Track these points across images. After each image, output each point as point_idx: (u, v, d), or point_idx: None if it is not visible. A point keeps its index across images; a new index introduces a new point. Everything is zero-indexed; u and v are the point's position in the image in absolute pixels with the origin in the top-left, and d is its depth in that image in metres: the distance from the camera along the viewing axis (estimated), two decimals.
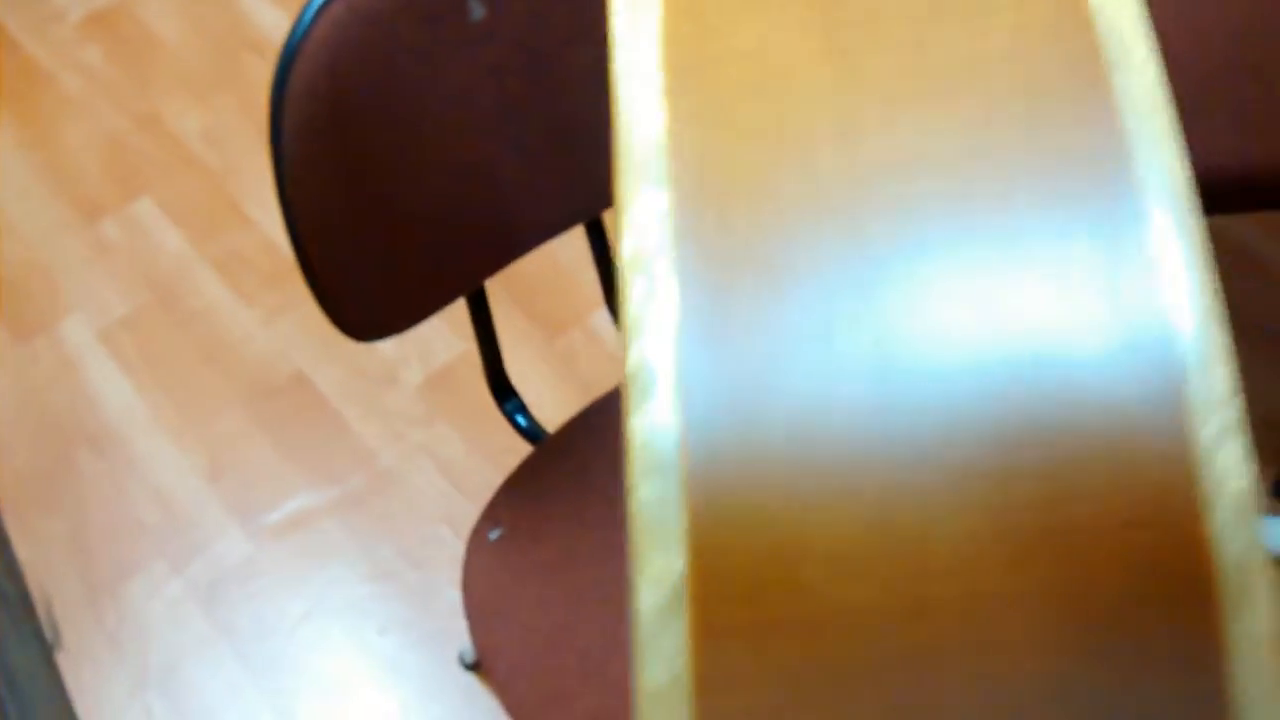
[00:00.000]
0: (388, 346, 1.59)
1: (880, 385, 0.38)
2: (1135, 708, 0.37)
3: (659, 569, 0.38)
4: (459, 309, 1.60)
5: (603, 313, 1.60)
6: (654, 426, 0.39)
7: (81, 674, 1.37)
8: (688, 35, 0.45)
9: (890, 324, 0.39)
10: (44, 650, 1.38)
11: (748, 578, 0.38)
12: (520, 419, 1.04)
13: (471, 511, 1.44)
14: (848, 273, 0.40)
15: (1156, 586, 0.37)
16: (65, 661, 1.38)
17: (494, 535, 0.95)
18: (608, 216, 1.21)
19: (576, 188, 0.89)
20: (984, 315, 0.39)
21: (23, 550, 1.47)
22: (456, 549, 1.42)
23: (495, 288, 1.63)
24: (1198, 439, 0.38)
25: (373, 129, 0.78)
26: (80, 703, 1.35)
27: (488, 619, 0.90)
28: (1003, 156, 0.41)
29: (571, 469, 0.97)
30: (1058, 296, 0.39)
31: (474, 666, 1.33)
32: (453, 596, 1.38)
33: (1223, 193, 1.11)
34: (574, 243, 1.64)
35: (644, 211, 0.41)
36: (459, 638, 1.35)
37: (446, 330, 1.60)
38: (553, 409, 1.52)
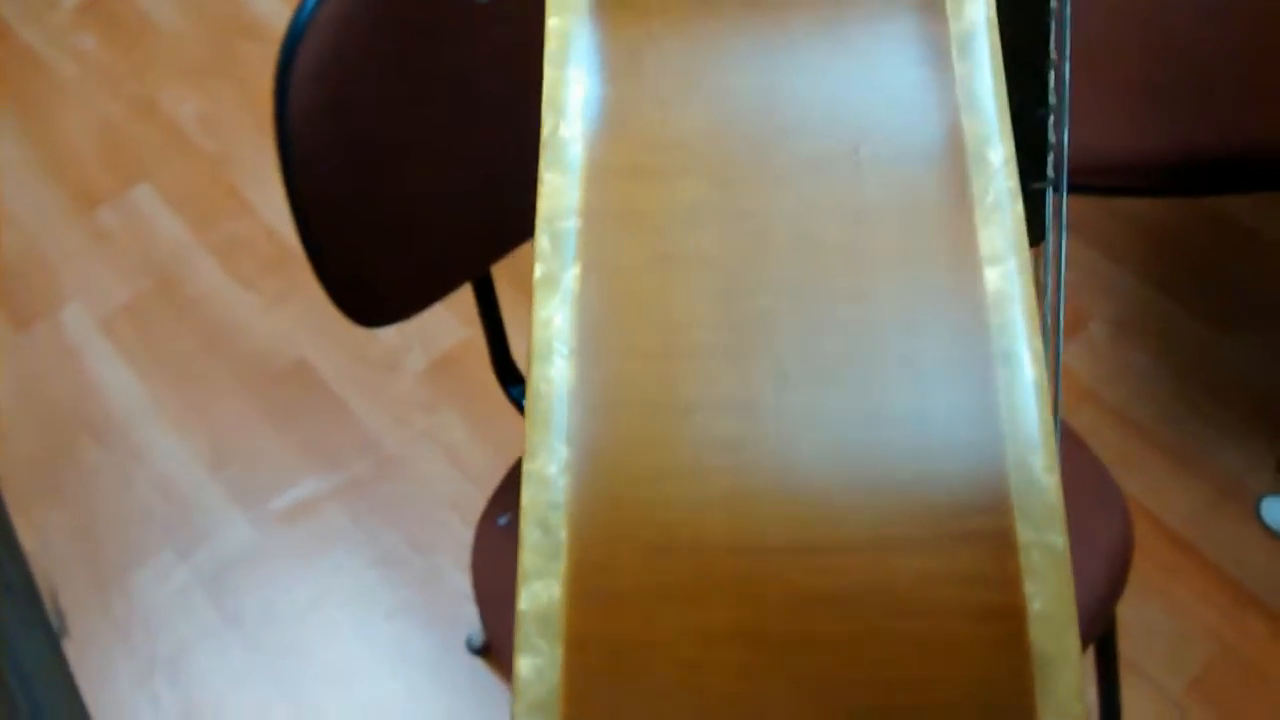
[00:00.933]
0: (390, 333, 1.59)
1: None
2: None
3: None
4: (462, 294, 1.59)
5: None
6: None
7: (88, 663, 1.37)
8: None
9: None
10: (50, 639, 1.38)
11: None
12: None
13: (477, 496, 1.44)
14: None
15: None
16: (72, 650, 1.38)
17: (503, 521, 0.95)
18: None
19: None
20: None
21: (27, 540, 1.46)
22: (462, 534, 1.42)
23: (500, 272, 1.62)
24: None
25: (379, 111, 0.78)
26: (87, 691, 1.35)
27: (498, 604, 0.90)
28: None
29: None
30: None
31: (482, 650, 1.33)
32: (459, 581, 1.38)
33: (1227, 172, 1.10)
34: None
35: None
36: (466, 622, 1.35)
37: (449, 316, 1.59)
38: None
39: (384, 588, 1.38)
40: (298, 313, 1.62)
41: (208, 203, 1.75)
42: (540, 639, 0.40)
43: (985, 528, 0.39)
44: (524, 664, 0.40)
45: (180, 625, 1.38)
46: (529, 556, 0.41)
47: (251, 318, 1.62)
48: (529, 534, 0.41)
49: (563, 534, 0.41)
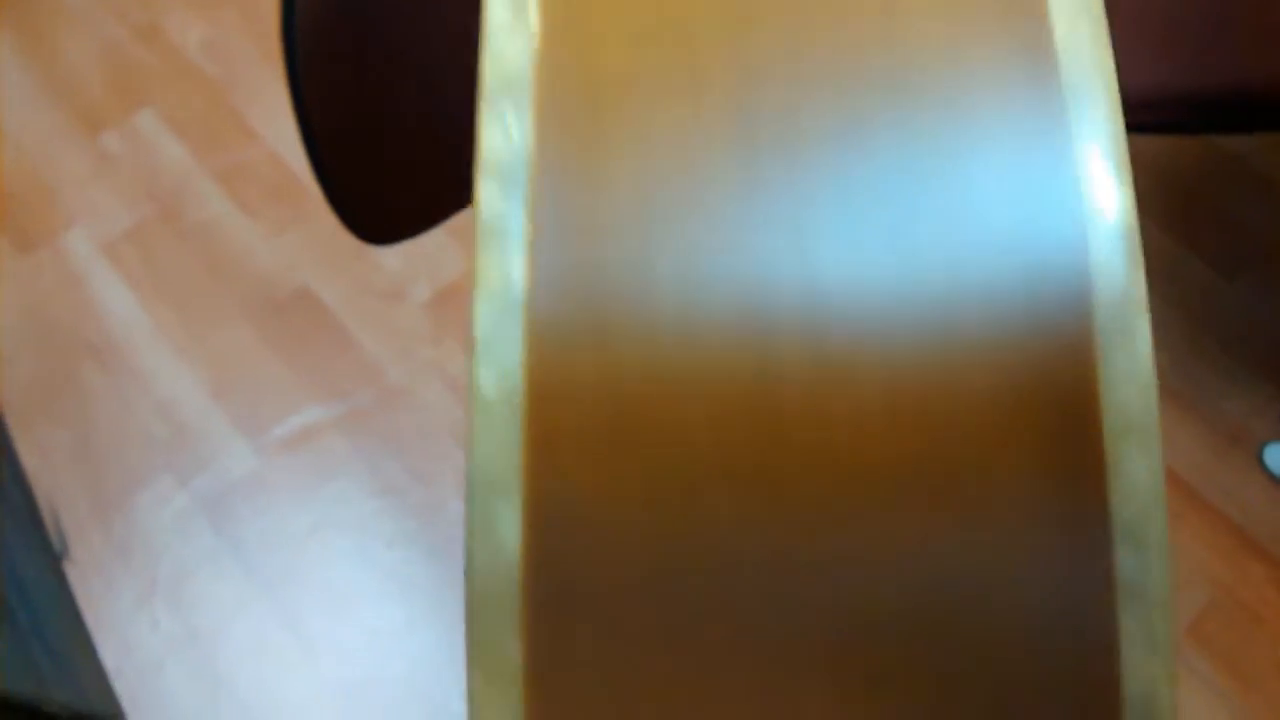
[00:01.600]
0: (395, 263, 1.58)
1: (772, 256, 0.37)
2: (1005, 564, 0.36)
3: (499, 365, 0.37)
4: (469, 225, 1.58)
5: None
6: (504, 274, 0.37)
7: (89, 584, 1.37)
8: None
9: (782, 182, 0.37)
10: (51, 559, 1.38)
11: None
12: None
13: None
14: (733, 142, 0.38)
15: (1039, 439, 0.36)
16: (73, 572, 1.38)
17: None
18: None
19: None
20: (879, 183, 0.37)
21: (29, 460, 1.46)
22: (463, 464, 1.42)
23: None
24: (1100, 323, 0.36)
25: (390, 23, 0.76)
26: (88, 612, 1.35)
27: None
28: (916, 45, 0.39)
29: None
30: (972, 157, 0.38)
31: None
32: (460, 511, 1.38)
33: (1244, 110, 1.09)
34: None
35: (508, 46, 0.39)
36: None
37: (455, 247, 1.58)
38: None
39: (385, 517, 1.39)
40: (302, 241, 1.61)
41: (212, 129, 1.73)
42: (507, 103, 0.38)
43: (1061, 328, 0.37)
44: (491, 134, 0.38)
45: (180, 549, 1.39)
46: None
47: (255, 245, 1.61)
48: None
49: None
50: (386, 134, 0.83)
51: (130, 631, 1.34)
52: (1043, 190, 0.37)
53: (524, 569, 0.37)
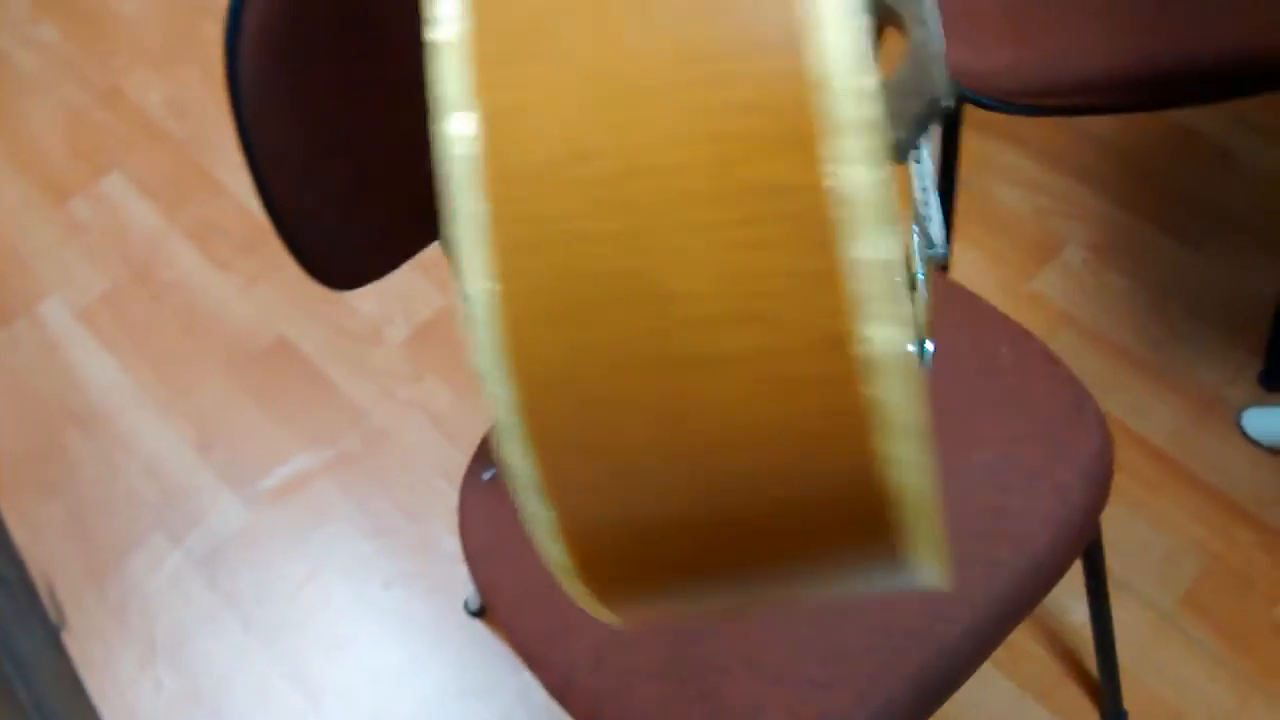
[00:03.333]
0: (370, 304, 1.59)
1: None
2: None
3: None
4: (439, 265, 1.59)
5: None
6: None
7: (89, 653, 1.37)
8: None
9: None
10: (50, 632, 1.38)
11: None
12: None
13: (465, 461, 1.44)
14: None
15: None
16: (72, 642, 1.38)
17: (487, 475, 0.95)
18: None
19: None
20: None
21: (20, 535, 1.46)
22: (453, 499, 1.42)
23: None
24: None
25: (331, 63, 0.77)
26: (90, 681, 1.36)
27: (487, 559, 0.90)
28: None
29: None
30: None
31: (479, 612, 1.33)
32: (453, 546, 1.38)
33: (1191, 83, 1.10)
34: None
35: None
36: (462, 585, 1.35)
37: (428, 285, 1.59)
38: None
39: (379, 557, 1.39)
40: (275, 291, 1.62)
41: (179, 187, 1.74)
42: None
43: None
44: None
45: (178, 609, 1.39)
46: None
47: (229, 299, 1.62)
48: None
49: None
50: (339, 178, 0.83)
51: (133, 696, 1.34)
52: None
53: None
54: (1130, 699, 1.17)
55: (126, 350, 1.59)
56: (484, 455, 0.97)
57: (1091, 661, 1.19)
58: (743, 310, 0.40)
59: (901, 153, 0.55)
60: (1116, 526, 1.26)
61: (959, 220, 1.52)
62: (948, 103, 0.53)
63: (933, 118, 0.54)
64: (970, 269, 1.47)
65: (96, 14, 1.95)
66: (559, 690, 0.84)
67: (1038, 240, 1.48)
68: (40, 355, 1.61)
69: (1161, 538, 1.25)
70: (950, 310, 0.96)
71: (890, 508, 0.41)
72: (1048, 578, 0.85)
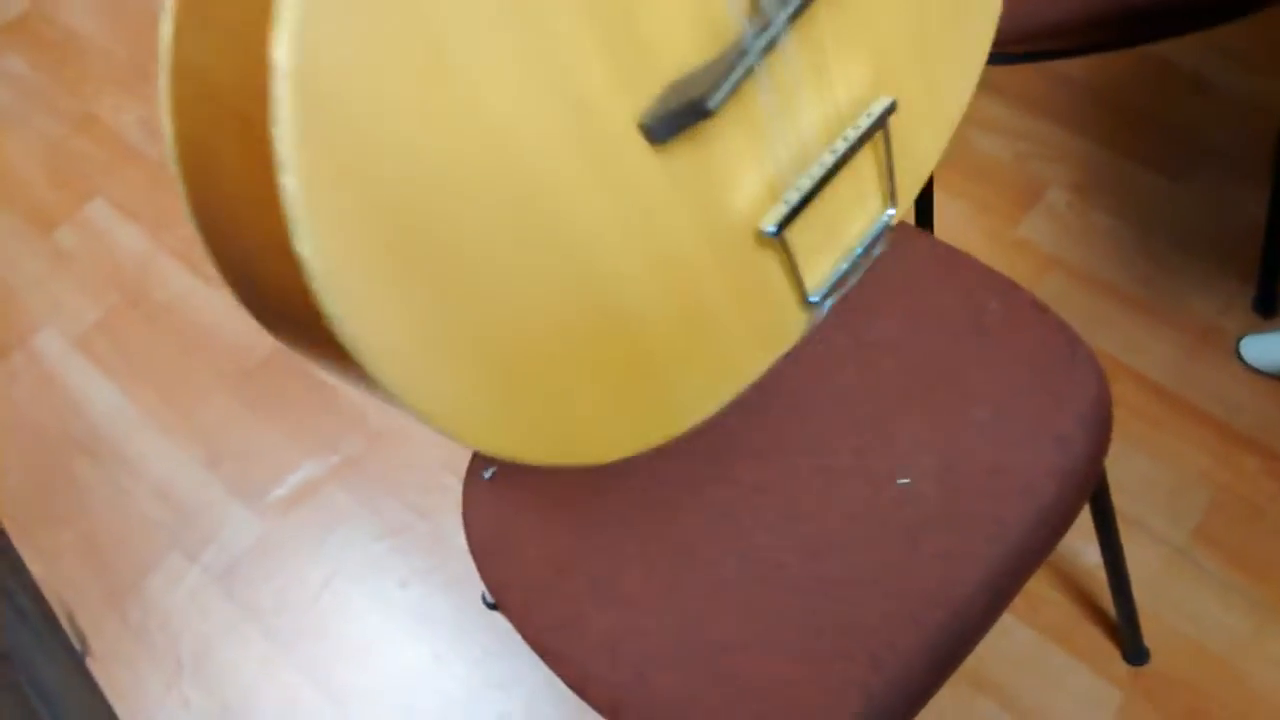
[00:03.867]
0: None
1: None
2: None
3: None
4: None
5: None
6: None
7: (115, 677, 1.38)
8: None
9: None
10: (74, 660, 1.39)
11: None
12: None
13: (469, 454, 1.44)
14: None
15: None
16: (97, 668, 1.39)
17: (488, 474, 0.95)
18: None
19: None
20: None
21: (36, 567, 1.47)
22: (461, 494, 1.42)
23: None
24: None
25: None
26: (119, 705, 1.37)
27: (494, 556, 0.91)
28: None
29: None
30: None
31: (494, 599, 1.34)
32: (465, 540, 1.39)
33: (1161, 16, 1.09)
34: None
35: None
36: (479, 579, 1.36)
37: None
38: None
39: (394, 557, 1.40)
40: None
41: (162, 207, 1.74)
42: None
43: None
44: None
45: (199, 625, 1.40)
46: None
47: (223, 314, 1.62)
48: None
49: None
50: None
51: (162, 716, 1.35)
52: None
53: None
54: (1149, 635, 1.17)
55: (126, 375, 1.59)
56: (483, 454, 0.97)
57: (1108, 602, 1.20)
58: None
59: (651, 136, 0.61)
60: (1121, 465, 1.26)
61: (940, 172, 1.52)
62: (712, 106, 0.59)
63: (688, 116, 0.60)
64: (956, 219, 1.47)
65: (62, 42, 1.94)
66: (578, 684, 0.85)
67: (1020, 186, 1.48)
68: (40, 387, 1.61)
69: (1168, 473, 1.25)
70: (935, 269, 0.96)
71: None
72: (1055, 529, 0.85)
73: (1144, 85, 1.53)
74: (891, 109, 0.75)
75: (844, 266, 0.79)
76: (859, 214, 0.80)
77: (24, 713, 1.29)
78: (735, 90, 0.63)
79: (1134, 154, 1.47)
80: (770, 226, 0.71)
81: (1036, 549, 0.85)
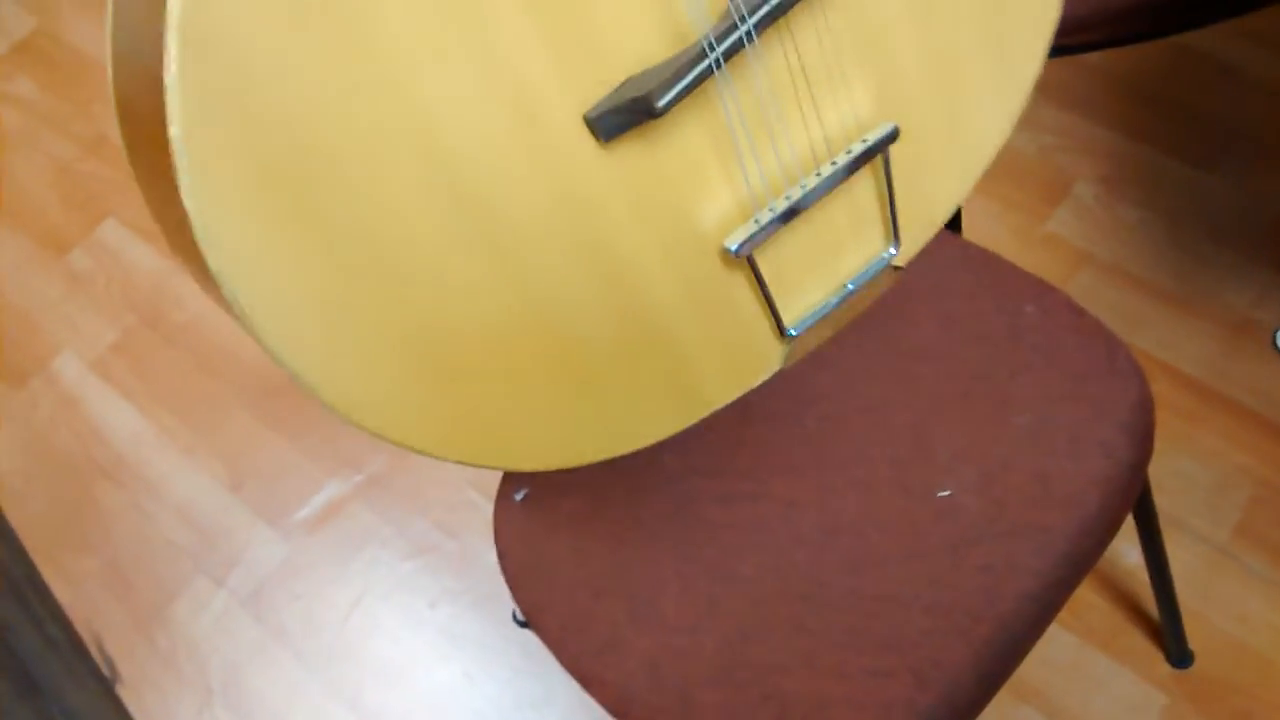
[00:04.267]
0: None
1: None
2: None
3: None
4: None
5: None
6: None
7: (145, 703, 1.37)
8: None
9: None
10: (103, 687, 1.38)
11: None
12: None
13: (494, 472, 1.43)
14: None
15: None
16: (126, 694, 1.38)
17: (519, 496, 0.94)
18: None
19: None
20: None
21: (62, 594, 1.46)
22: (488, 511, 1.41)
23: None
24: None
25: None
26: None
27: (528, 579, 0.89)
28: None
29: None
30: None
31: (529, 623, 1.32)
32: (494, 559, 1.37)
33: (1195, 6, 1.07)
34: None
35: None
36: (509, 597, 1.34)
37: None
38: None
39: (422, 577, 1.38)
40: None
41: None
42: None
43: None
44: None
45: (227, 649, 1.39)
46: None
47: (241, 334, 1.61)
48: None
49: None
50: None
51: None
52: None
53: None
54: (1193, 637, 1.15)
55: (145, 397, 1.58)
56: (513, 475, 0.96)
57: (1150, 604, 1.18)
58: None
59: (597, 131, 0.59)
60: (1160, 463, 1.24)
61: None
62: (659, 106, 0.57)
63: (634, 115, 0.58)
64: (983, 218, 1.44)
65: (71, 63, 1.93)
66: (618, 709, 0.83)
67: (1047, 180, 1.46)
68: (60, 412, 1.60)
69: (1207, 470, 1.23)
70: (968, 273, 0.94)
71: None
72: (1100, 539, 0.83)
73: (1170, 73, 1.50)
74: (892, 137, 0.69)
75: (832, 302, 0.74)
76: (853, 248, 0.74)
77: None
78: (689, 94, 0.58)
79: (1161, 143, 1.45)
80: (734, 244, 0.66)
81: (1082, 559, 0.83)
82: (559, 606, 0.87)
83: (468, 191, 0.57)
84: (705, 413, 0.73)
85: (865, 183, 0.72)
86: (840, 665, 0.80)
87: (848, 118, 0.68)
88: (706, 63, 0.59)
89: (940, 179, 0.75)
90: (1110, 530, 0.84)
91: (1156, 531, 1.02)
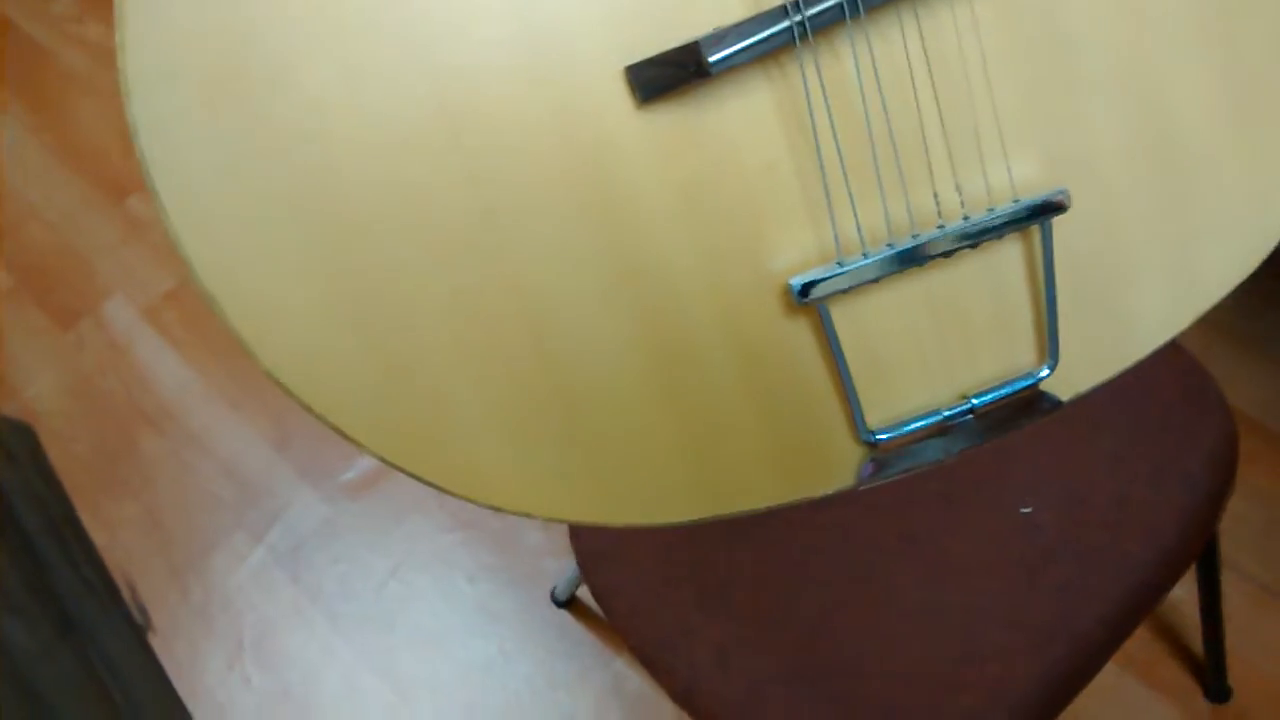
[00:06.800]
0: None
1: None
2: None
3: None
4: None
5: None
6: None
7: (176, 653, 1.38)
8: None
9: None
10: (136, 634, 1.39)
11: None
12: None
13: None
14: None
15: None
16: (158, 643, 1.39)
17: None
18: None
19: None
20: None
21: (99, 537, 1.46)
22: None
23: None
24: None
25: None
26: (178, 681, 1.36)
27: (601, 562, 0.90)
28: None
29: None
30: None
31: (567, 603, 1.33)
32: (536, 539, 1.38)
33: None
34: None
35: None
36: (548, 577, 1.35)
37: None
38: None
39: (462, 551, 1.39)
40: None
41: None
42: None
43: None
44: None
45: (262, 606, 1.39)
46: None
47: None
48: None
49: None
50: None
51: (223, 694, 1.34)
52: None
53: None
54: (1232, 674, 1.16)
55: (195, 348, 1.59)
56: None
57: (1190, 636, 1.18)
58: None
59: (636, 87, 0.47)
60: None
61: None
62: (712, 62, 0.46)
63: (680, 69, 0.47)
64: None
65: None
66: (682, 695, 0.84)
67: None
68: (108, 356, 1.60)
69: (1258, 510, 1.23)
70: None
71: None
72: (1175, 569, 0.84)
73: None
74: (1057, 208, 0.50)
75: (943, 414, 0.52)
76: (990, 349, 0.53)
77: (93, 684, 1.29)
78: (755, 59, 0.46)
79: None
80: (799, 282, 0.49)
81: (1156, 587, 0.83)
82: (630, 590, 0.88)
83: (468, 144, 0.47)
84: (729, 511, 0.53)
85: (1016, 258, 0.52)
86: (913, 673, 0.81)
87: (996, 162, 0.50)
88: (785, 24, 0.45)
89: (1147, 292, 0.54)
90: (1185, 562, 0.84)
91: (1216, 568, 1.03)
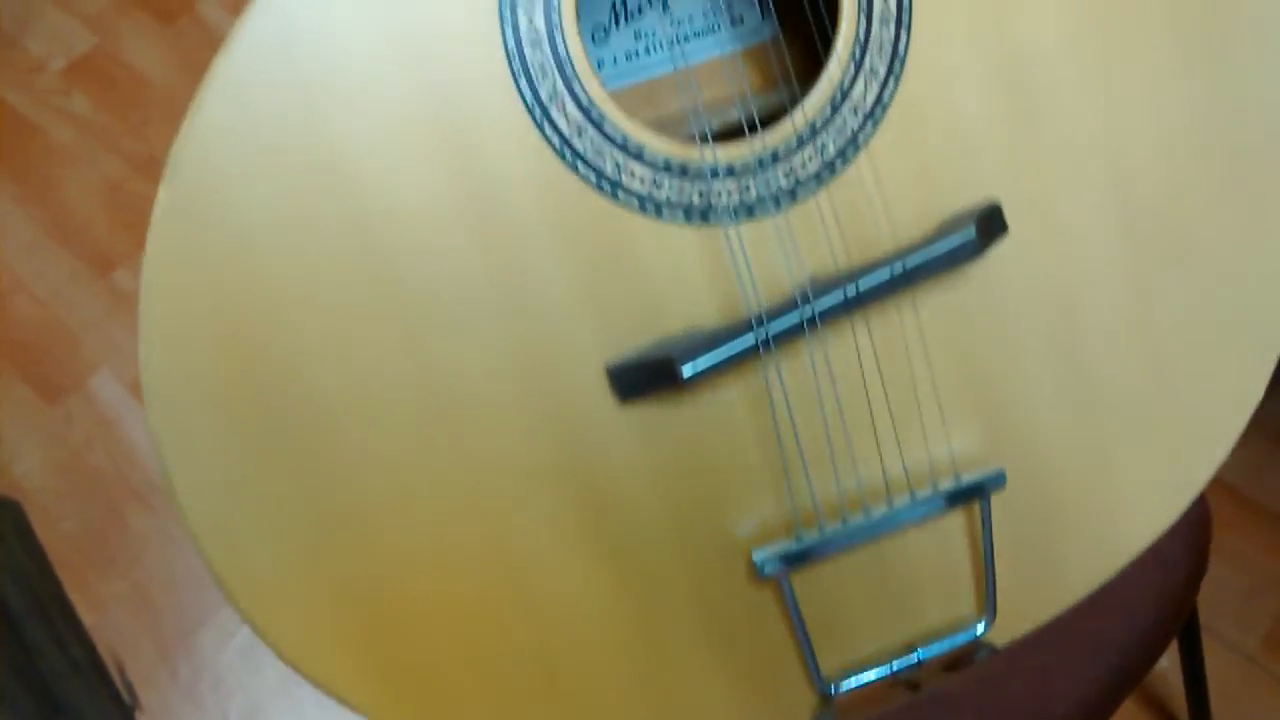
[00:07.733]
0: None
1: None
2: None
3: None
4: None
5: None
6: None
7: None
8: None
9: None
10: (123, 713, 1.38)
11: None
12: None
13: None
14: None
15: None
16: None
17: None
18: None
19: None
20: None
21: (87, 616, 1.46)
22: None
23: None
24: None
25: None
26: None
27: None
28: None
29: None
30: None
31: None
32: None
33: None
34: None
35: None
36: None
37: None
38: None
39: None
40: None
41: None
42: None
43: None
44: None
45: (250, 684, 1.39)
46: None
47: None
48: None
49: None
50: None
51: None
52: None
53: None
54: None
55: None
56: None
57: (1177, 706, 1.19)
58: None
59: (615, 386, 0.53)
60: None
61: None
62: (685, 375, 0.53)
63: (656, 377, 0.55)
64: None
65: (127, 82, 1.95)
66: None
67: None
68: (95, 431, 1.61)
69: (1239, 576, 1.24)
70: None
71: None
72: (1153, 651, 0.84)
73: None
74: (996, 483, 0.57)
75: (895, 666, 0.59)
76: (931, 607, 0.61)
77: None
78: (723, 369, 0.50)
79: None
80: (763, 559, 0.54)
81: (1134, 669, 0.84)
82: None
83: (453, 415, 0.53)
84: None
85: (959, 524, 0.59)
86: None
87: (939, 447, 0.57)
88: (750, 339, 0.51)
89: (1073, 553, 0.62)
90: (1163, 644, 0.85)
91: (1198, 642, 1.03)
